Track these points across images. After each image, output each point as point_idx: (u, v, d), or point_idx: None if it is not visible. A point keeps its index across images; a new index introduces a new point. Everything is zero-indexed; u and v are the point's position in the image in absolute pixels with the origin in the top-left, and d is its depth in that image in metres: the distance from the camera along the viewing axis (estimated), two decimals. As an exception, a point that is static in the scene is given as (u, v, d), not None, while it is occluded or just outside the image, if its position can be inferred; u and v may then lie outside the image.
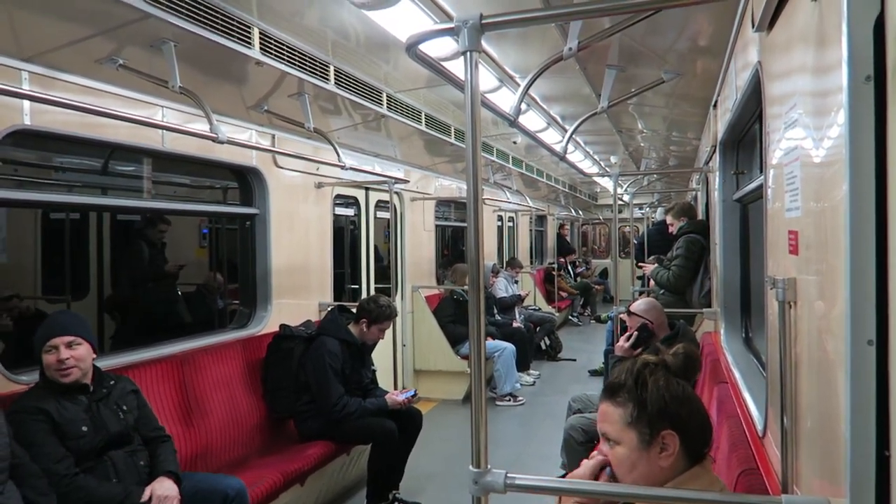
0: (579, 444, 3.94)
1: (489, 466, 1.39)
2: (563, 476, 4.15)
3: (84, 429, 2.76)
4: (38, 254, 4.84)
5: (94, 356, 2.91)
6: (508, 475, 1.38)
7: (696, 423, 1.62)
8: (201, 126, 3.46)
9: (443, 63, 2.25)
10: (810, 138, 1.42)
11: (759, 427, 2.27)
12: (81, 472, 2.70)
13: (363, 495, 4.25)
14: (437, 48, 3.09)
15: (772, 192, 2.08)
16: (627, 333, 3.83)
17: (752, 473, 2.07)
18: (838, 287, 1.13)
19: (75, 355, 2.78)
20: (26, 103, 2.92)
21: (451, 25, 1.39)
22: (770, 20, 1.89)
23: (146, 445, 3.01)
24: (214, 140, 3.40)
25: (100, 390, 2.91)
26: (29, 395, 2.76)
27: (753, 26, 2.07)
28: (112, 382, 2.99)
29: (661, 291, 5.47)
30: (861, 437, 1.02)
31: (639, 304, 3.91)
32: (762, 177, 2.32)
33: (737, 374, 3.10)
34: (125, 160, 4.59)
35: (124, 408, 2.96)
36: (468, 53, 1.39)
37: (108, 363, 3.28)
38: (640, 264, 6.86)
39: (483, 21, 1.37)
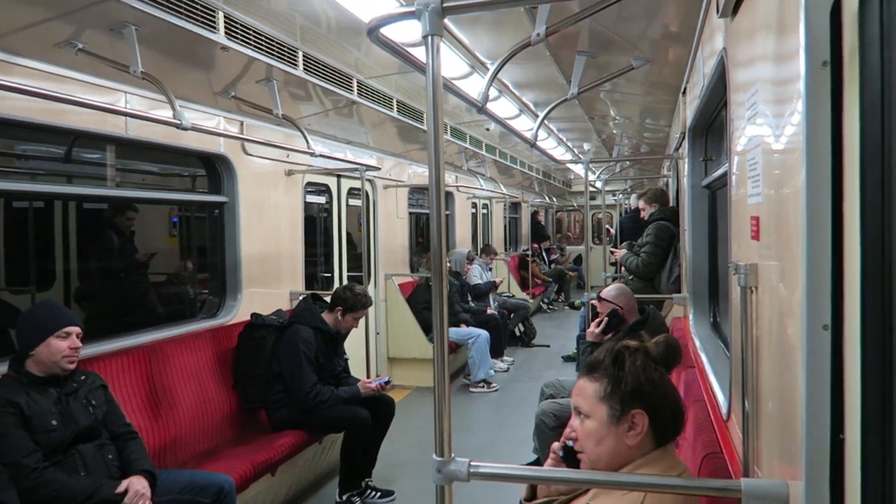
0: (551, 429, 3.97)
1: (453, 455, 1.39)
2: (534, 462, 4.19)
3: (54, 423, 2.73)
4: (-1, 244, 4.71)
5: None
6: (472, 463, 1.38)
7: (668, 409, 1.64)
8: (165, 113, 3.39)
9: (409, 49, 2.22)
10: (771, 125, 1.43)
11: (724, 410, 2.30)
12: (50, 466, 2.66)
13: (335, 484, 4.25)
14: (406, 33, 3.05)
15: (736, 178, 2.09)
16: (598, 319, 3.86)
17: (716, 457, 2.10)
18: (797, 272, 1.13)
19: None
20: (-18, 89, 2.83)
21: (412, 9, 1.36)
22: (734, 6, 1.90)
23: (114, 441, 2.98)
24: (178, 127, 3.33)
25: (70, 384, 2.88)
26: (-1, 387, 2.71)
27: (718, 12, 2.07)
28: (83, 378, 2.96)
29: (631, 277, 5.52)
30: (816, 420, 1.03)
31: (609, 290, 3.94)
32: (728, 163, 2.33)
33: (704, 359, 3.14)
34: (90, 147, 4.47)
35: (93, 402, 2.94)
36: (430, 38, 1.36)
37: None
38: (612, 250, 6.91)
39: (444, 4, 1.35)
